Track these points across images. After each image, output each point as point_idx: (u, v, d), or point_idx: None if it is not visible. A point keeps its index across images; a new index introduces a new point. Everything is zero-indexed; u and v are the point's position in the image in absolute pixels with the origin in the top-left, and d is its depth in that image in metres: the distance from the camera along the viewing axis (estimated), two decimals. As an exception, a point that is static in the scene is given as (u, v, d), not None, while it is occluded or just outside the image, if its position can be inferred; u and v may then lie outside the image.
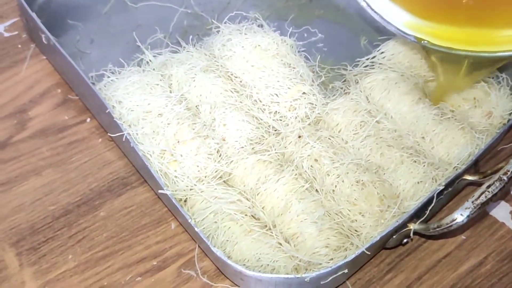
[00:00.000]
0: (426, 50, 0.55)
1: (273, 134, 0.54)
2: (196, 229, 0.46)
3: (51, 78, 0.62)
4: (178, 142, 0.49)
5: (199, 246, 0.52)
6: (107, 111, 0.52)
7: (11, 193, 0.54)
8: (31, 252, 0.51)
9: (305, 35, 0.66)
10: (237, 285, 0.50)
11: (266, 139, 0.54)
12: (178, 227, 0.54)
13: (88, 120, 0.60)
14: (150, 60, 0.57)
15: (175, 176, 0.48)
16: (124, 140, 0.51)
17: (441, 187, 0.48)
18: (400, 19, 0.54)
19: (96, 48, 0.64)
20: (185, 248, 0.52)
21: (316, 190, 0.50)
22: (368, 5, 0.54)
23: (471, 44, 0.52)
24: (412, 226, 0.47)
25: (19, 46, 0.65)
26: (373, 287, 0.51)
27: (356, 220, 0.49)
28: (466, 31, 0.52)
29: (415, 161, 0.51)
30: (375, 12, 0.54)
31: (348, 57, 0.63)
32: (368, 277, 0.51)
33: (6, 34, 0.66)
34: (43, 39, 0.58)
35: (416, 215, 0.48)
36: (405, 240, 0.48)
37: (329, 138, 0.53)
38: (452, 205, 0.56)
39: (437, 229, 0.44)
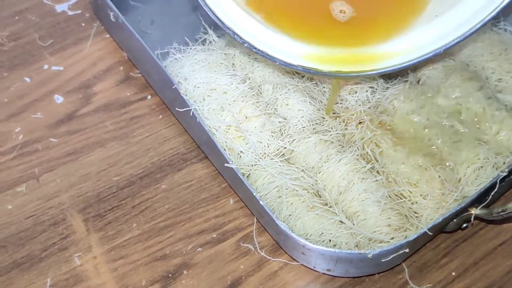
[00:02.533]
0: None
1: (333, 117, 0.55)
2: (261, 202, 0.47)
3: (113, 56, 0.65)
4: (246, 118, 0.50)
5: (257, 221, 0.53)
6: (173, 87, 0.53)
7: (78, 163, 0.57)
8: (97, 219, 0.54)
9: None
10: (295, 259, 0.51)
11: (326, 120, 0.55)
12: (236, 202, 0.55)
13: (149, 97, 0.62)
14: (214, 40, 0.59)
15: (241, 151, 0.50)
16: (190, 115, 0.52)
17: (504, 173, 0.48)
18: (297, 51, 0.49)
19: (157, 28, 0.66)
20: (243, 223, 0.54)
21: (377, 172, 0.51)
22: (251, 45, 0.49)
23: (357, 62, 0.49)
24: (473, 211, 0.47)
25: (83, 24, 0.67)
26: (428, 270, 0.52)
27: (417, 202, 0.49)
28: (350, 50, 0.50)
29: (476, 147, 0.52)
30: (258, 50, 0.49)
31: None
32: (424, 260, 0.52)
33: (70, 13, 0.68)
34: (111, 17, 0.60)
35: (477, 201, 0.48)
36: (464, 225, 0.49)
37: (388, 124, 0.54)
38: (508, 195, 0.56)
39: (502, 213, 0.45)
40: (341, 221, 0.47)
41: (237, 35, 0.49)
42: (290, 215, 0.48)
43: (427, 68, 0.59)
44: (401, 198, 0.49)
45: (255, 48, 0.49)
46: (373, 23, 0.52)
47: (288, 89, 0.54)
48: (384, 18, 0.52)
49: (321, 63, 0.50)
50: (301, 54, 0.49)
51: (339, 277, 0.51)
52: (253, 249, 0.53)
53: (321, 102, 0.56)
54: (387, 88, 0.57)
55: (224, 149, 0.50)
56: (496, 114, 0.55)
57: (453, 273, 0.52)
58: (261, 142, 0.51)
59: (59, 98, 0.61)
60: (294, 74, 0.56)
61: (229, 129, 0.52)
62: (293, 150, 0.51)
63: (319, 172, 0.51)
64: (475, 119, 0.55)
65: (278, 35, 0.50)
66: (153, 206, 0.55)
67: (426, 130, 0.54)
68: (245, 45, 0.48)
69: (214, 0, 0.48)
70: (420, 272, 0.52)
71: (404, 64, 0.49)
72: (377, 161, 0.51)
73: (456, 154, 0.52)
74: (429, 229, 0.46)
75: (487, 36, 0.60)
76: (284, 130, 0.53)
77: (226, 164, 0.49)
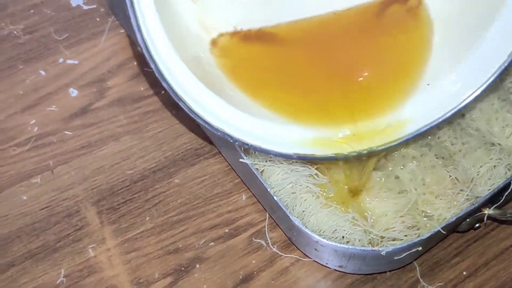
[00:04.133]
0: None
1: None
2: (275, 198, 0.47)
3: (127, 51, 0.65)
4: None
5: (270, 217, 0.54)
6: (188, 82, 0.54)
7: (91, 156, 0.57)
8: (111, 211, 0.54)
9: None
10: (307, 256, 0.51)
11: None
12: (248, 198, 0.56)
13: (163, 92, 0.62)
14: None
15: (256, 147, 0.50)
16: (205, 110, 0.53)
17: (518, 174, 0.48)
18: (294, 137, 0.45)
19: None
20: (255, 218, 0.54)
21: (390, 170, 0.51)
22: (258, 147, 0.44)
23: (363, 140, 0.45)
24: (487, 211, 0.48)
25: (98, 19, 0.67)
26: (439, 269, 0.52)
27: (429, 202, 0.49)
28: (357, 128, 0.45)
29: (488, 148, 0.52)
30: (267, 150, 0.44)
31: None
32: (435, 259, 0.52)
33: (85, 7, 0.69)
34: (127, 12, 0.60)
35: (490, 201, 0.48)
36: (477, 225, 0.49)
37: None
38: (520, 196, 0.56)
39: (515, 213, 0.45)
40: (354, 218, 0.48)
41: (227, 135, 0.44)
42: (303, 211, 0.48)
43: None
44: (414, 198, 0.49)
45: (247, 145, 0.45)
46: (370, 96, 0.47)
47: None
48: (381, 90, 0.47)
49: (320, 147, 0.45)
50: (295, 140, 0.45)
51: (350, 273, 0.51)
52: (265, 244, 0.53)
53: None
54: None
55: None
56: (508, 116, 0.55)
57: (464, 273, 0.52)
58: (275, 139, 0.52)
59: (73, 92, 0.62)
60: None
61: (243, 125, 0.52)
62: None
63: (333, 169, 0.51)
64: (488, 121, 0.55)
65: (268, 123, 0.45)
66: (166, 200, 0.55)
67: (438, 130, 0.54)
68: (237, 143, 0.45)
69: (197, 100, 0.43)
70: (432, 271, 0.52)
71: (413, 135, 0.46)
72: (390, 159, 0.51)
73: (469, 155, 0.53)
74: (442, 228, 0.46)
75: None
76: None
77: (240, 160, 0.49)
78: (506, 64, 0.45)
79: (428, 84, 0.47)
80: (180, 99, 0.43)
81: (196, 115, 0.43)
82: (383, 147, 0.46)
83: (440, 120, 0.46)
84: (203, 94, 0.44)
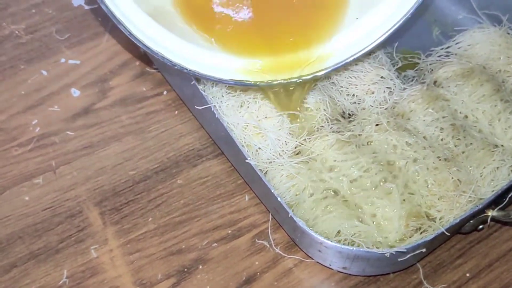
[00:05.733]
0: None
1: (349, 116, 0.56)
2: (279, 199, 0.47)
3: (129, 51, 0.65)
4: (265, 116, 0.50)
5: (273, 218, 0.54)
6: (192, 83, 0.54)
7: (94, 156, 0.57)
8: (113, 212, 0.54)
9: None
10: (310, 257, 0.51)
11: (340, 122, 0.55)
12: (251, 199, 0.55)
13: (165, 92, 0.62)
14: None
15: (259, 148, 0.50)
16: (208, 112, 0.53)
17: (522, 176, 0.49)
18: (230, 65, 0.50)
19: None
20: (258, 219, 0.54)
21: (394, 175, 0.51)
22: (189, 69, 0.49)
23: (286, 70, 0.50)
24: (490, 213, 0.48)
25: (99, 19, 0.67)
26: (443, 271, 0.52)
27: (432, 204, 0.50)
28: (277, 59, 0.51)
29: (491, 149, 0.52)
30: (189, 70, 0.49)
31: (420, 47, 0.64)
32: (438, 261, 0.52)
33: (87, 7, 0.68)
34: (130, 12, 0.60)
35: (494, 202, 0.48)
36: (480, 226, 0.49)
37: (405, 126, 0.54)
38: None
39: (519, 215, 0.45)
40: (358, 220, 0.47)
41: (167, 59, 0.49)
42: (307, 212, 0.48)
43: (444, 70, 0.59)
44: (417, 200, 0.49)
45: (186, 69, 0.49)
46: (298, 30, 0.52)
47: (307, 87, 0.54)
48: (308, 26, 0.52)
49: (253, 74, 0.50)
50: (232, 68, 0.50)
51: (354, 275, 0.51)
52: (268, 245, 0.53)
53: (338, 101, 0.56)
54: (404, 89, 0.57)
55: (243, 146, 0.51)
56: (511, 118, 0.55)
57: (468, 274, 0.52)
58: (279, 140, 0.51)
59: (75, 92, 0.62)
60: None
61: (247, 126, 0.52)
62: (310, 149, 0.52)
63: (336, 171, 0.51)
64: (491, 122, 0.55)
65: (208, 51, 0.50)
66: (169, 201, 0.55)
67: (441, 132, 0.54)
68: (176, 67, 0.49)
69: (138, 26, 0.48)
70: (435, 272, 0.52)
71: (335, 66, 0.51)
72: (394, 163, 0.51)
73: (472, 156, 0.53)
74: (446, 230, 0.46)
75: (504, 40, 0.61)
76: (303, 128, 0.53)
77: (246, 160, 0.49)
78: None
79: (357, 18, 0.52)
80: (120, 23, 0.47)
81: (136, 39, 0.48)
82: (308, 77, 0.51)
83: (360, 53, 0.51)
84: (145, 21, 0.49)
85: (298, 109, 0.52)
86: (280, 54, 0.51)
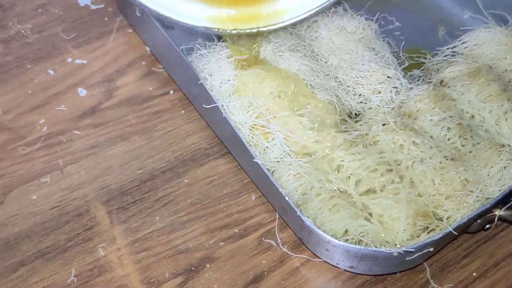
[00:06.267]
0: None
1: (356, 116, 0.56)
2: (286, 198, 0.47)
3: (136, 50, 0.65)
4: (272, 116, 0.50)
5: (280, 217, 0.54)
6: (199, 83, 0.54)
7: (101, 156, 0.57)
8: (120, 211, 0.54)
9: (382, 23, 0.66)
10: (318, 256, 0.51)
11: (347, 122, 0.55)
12: (258, 198, 0.56)
13: (172, 92, 0.62)
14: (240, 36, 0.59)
15: (267, 147, 0.50)
16: (215, 111, 0.53)
17: (529, 175, 0.49)
18: (200, 14, 0.57)
19: (179, 25, 0.66)
20: (265, 218, 0.54)
21: (400, 175, 0.51)
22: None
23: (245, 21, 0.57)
24: (497, 212, 0.48)
25: (106, 19, 0.67)
26: (449, 270, 0.52)
27: (439, 204, 0.50)
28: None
29: (498, 149, 0.52)
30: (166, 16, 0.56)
31: (426, 47, 0.64)
32: (445, 260, 0.52)
33: (93, 7, 0.69)
34: (137, 12, 0.60)
35: (501, 202, 0.48)
36: (487, 226, 0.49)
37: (412, 126, 0.54)
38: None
39: (527, 214, 0.45)
40: (366, 219, 0.48)
41: (144, 5, 0.55)
42: (314, 211, 0.48)
43: (451, 69, 0.59)
44: (424, 200, 0.49)
45: (162, 15, 0.56)
46: None
47: (313, 88, 0.54)
48: None
49: (222, 23, 0.57)
50: (203, 16, 0.57)
51: (361, 274, 0.51)
52: (275, 244, 0.53)
53: (345, 101, 0.57)
54: (411, 88, 0.57)
55: (250, 145, 0.51)
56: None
57: (474, 274, 0.52)
58: (286, 139, 0.52)
59: (82, 91, 0.62)
60: (318, 72, 0.56)
61: (254, 125, 0.52)
62: (317, 149, 0.52)
63: (344, 171, 0.51)
64: (497, 122, 0.55)
65: (182, 1, 0.57)
66: (176, 200, 0.55)
67: (448, 131, 0.54)
68: (153, 13, 0.56)
69: None
70: (442, 271, 0.52)
71: (289, 21, 0.56)
72: (401, 162, 0.51)
73: (479, 156, 0.53)
74: (454, 229, 0.46)
75: (510, 39, 0.61)
76: (310, 128, 0.53)
77: (254, 159, 0.49)
78: None
79: None
80: None
81: None
82: (264, 29, 0.57)
83: (314, 11, 0.57)
84: None
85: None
86: (244, 6, 0.58)
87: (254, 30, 0.57)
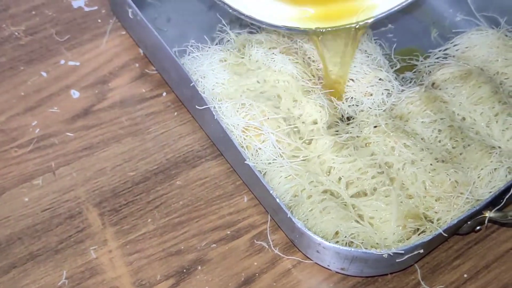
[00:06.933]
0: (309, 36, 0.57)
1: (347, 120, 0.56)
2: (277, 200, 0.47)
3: (129, 52, 0.65)
4: (264, 118, 0.50)
5: (272, 219, 0.54)
6: (191, 85, 0.54)
7: (93, 158, 0.57)
8: (112, 213, 0.54)
9: (375, 24, 0.67)
10: (309, 258, 0.52)
11: (339, 125, 0.55)
12: (250, 200, 0.56)
13: (165, 94, 0.62)
14: (232, 39, 0.59)
15: (259, 148, 0.50)
16: (207, 113, 0.53)
17: (519, 177, 0.49)
18: (285, 14, 0.56)
19: (173, 26, 0.66)
20: (257, 220, 0.54)
21: (391, 178, 0.51)
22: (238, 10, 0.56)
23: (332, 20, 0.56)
24: (488, 214, 0.48)
25: (99, 21, 0.67)
26: (440, 272, 0.52)
27: (429, 206, 0.50)
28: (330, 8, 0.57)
29: (488, 150, 0.52)
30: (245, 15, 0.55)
31: (418, 49, 0.64)
32: (436, 262, 0.53)
33: (86, 9, 0.69)
34: (129, 14, 0.60)
35: (491, 203, 0.49)
36: (478, 227, 0.49)
37: (403, 128, 0.55)
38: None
39: (516, 216, 0.45)
40: (356, 221, 0.48)
41: (227, 5, 0.54)
42: (305, 213, 0.48)
43: (442, 72, 0.59)
44: (415, 201, 0.50)
45: (243, 15, 0.55)
46: None
47: (305, 91, 0.55)
48: None
49: (303, 22, 0.56)
50: (285, 17, 0.56)
51: (352, 276, 0.51)
52: (266, 246, 0.53)
53: (337, 105, 0.57)
54: (403, 90, 0.57)
55: (242, 147, 0.51)
56: (509, 120, 0.56)
57: (465, 275, 0.52)
58: (278, 142, 0.52)
59: (75, 93, 0.62)
60: (311, 76, 0.57)
61: (247, 127, 0.52)
62: (309, 151, 0.52)
63: (335, 173, 0.51)
64: (488, 124, 0.56)
65: (264, 1, 0.55)
66: (168, 202, 0.55)
67: (439, 133, 0.55)
68: (234, 12, 0.55)
69: None
70: (433, 273, 0.52)
71: (380, 16, 0.56)
72: (392, 165, 0.52)
73: (469, 158, 0.53)
74: (444, 231, 0.46)
75: (502, 42, 0.61)
76: (301, 131, 0.53)
77: (245, 161, 0.49)
78: None
79: None
80: None
81: None
82: (356, 25, 0.56)
83: (401, 6, 0.56)
84: None
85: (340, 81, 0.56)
86: (330, 4, 0.56)
87: (341, 28, 0.55)
